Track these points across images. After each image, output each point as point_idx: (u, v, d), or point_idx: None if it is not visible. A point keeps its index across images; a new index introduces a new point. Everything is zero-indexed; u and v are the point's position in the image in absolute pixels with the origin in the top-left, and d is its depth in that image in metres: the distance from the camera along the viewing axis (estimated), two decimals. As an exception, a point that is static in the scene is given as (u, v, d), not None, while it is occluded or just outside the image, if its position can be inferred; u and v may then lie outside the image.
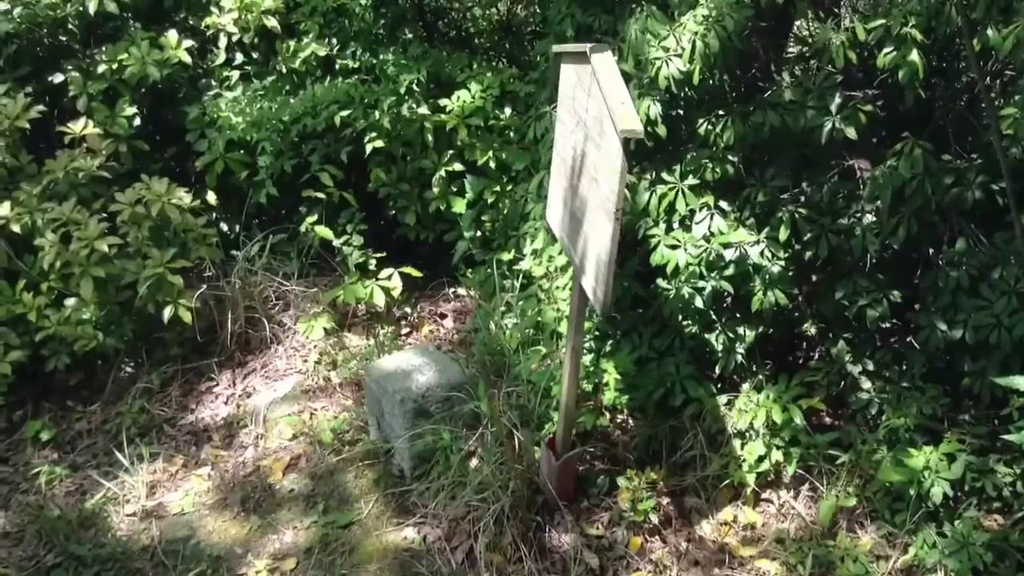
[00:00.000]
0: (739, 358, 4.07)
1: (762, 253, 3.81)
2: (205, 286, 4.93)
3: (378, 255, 5.32)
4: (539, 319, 4.39)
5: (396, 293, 5.19)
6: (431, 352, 4.36)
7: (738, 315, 4.08)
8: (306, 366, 4.96)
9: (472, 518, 3.88)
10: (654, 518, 3.93)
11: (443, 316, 5.46)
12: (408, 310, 5.42)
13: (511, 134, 5.22)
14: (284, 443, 4.53)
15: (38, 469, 4.41)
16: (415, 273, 5.29)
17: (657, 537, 3.98)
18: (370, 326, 5.21)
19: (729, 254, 3.81)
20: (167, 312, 4.64)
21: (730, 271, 3.83)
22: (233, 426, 4.69)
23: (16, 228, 4.56)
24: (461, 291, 5.56)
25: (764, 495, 4.14)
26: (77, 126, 4.90)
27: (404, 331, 5.30)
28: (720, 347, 4.08)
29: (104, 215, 4.70)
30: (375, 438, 4.37)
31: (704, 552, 3.93)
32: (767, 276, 3.82)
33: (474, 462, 4.03)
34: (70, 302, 4.58)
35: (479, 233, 5.25)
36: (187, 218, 4.81)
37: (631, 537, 3.94)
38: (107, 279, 4.57)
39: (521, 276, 4.64)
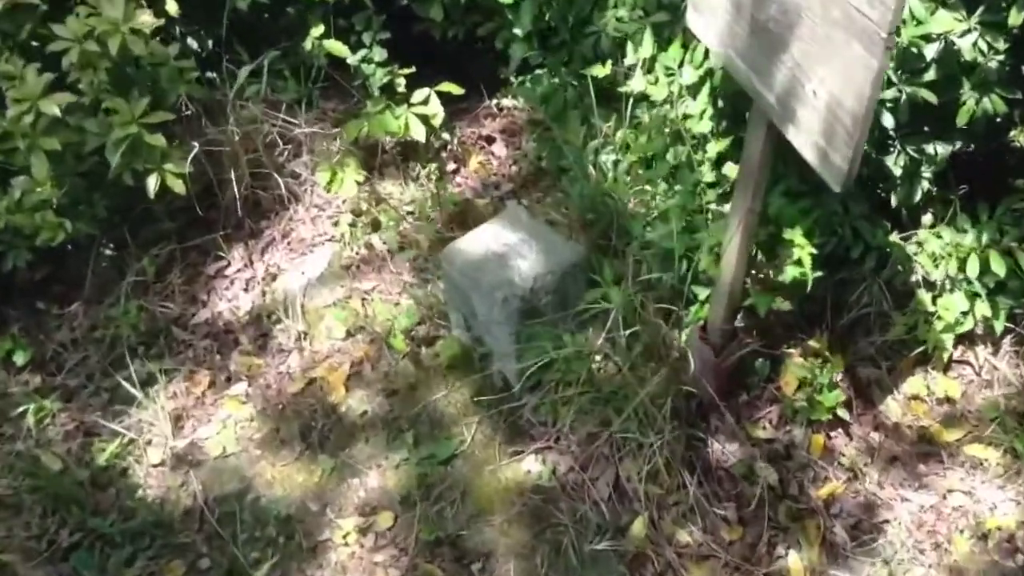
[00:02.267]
0: (926, 185, 3.07)
1: (975, 44, 2.72)
2: (197, 145, 3.68)
3: (405, 72, 4.11)
4: (672, 161, 3.27)
5: (437, 121, 4.02)
6: (523, 220, 3.26)
7: (926, 128, 3.03)
8: (338, 231, 3.86)
9: (612, 441, 2.98)
10: (841, 412, 3.06)
11: (490, 141, 4.32)
12: (447, 136, 4.24)
13: None
14: (336, 343, 3.49)
15: (23, 406, 3.39)
16: (456, 90, 4.09)
17: (840, 430, 3.14)
18: (406, 167, 4.08)
19: (930, 51, 2.71)
20: (151, 183, 3.47)
21: (930, 74, 2.76)
22: (263, 322, 3.63)
23: (-78, 93, 3.30)
24: (506, 102, 4.40)
25: (955, 355, 3.29)
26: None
27: (450, 168, 4.17)
28: (899, 171, 3.06)
29: (40, 60, 3.41)
30: (459, 335, 3.39)
31: (902, 444, 3.12)
32: (982, 76, 2.75)
33: (599, 359, 3.08)
34: (19, 182, 3.41)
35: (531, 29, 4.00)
36: (156, 48, 3.53)
37: (811, 435, 3.10)
38: (64, 149, 3.37)
39: (631, 99, 3.45)
